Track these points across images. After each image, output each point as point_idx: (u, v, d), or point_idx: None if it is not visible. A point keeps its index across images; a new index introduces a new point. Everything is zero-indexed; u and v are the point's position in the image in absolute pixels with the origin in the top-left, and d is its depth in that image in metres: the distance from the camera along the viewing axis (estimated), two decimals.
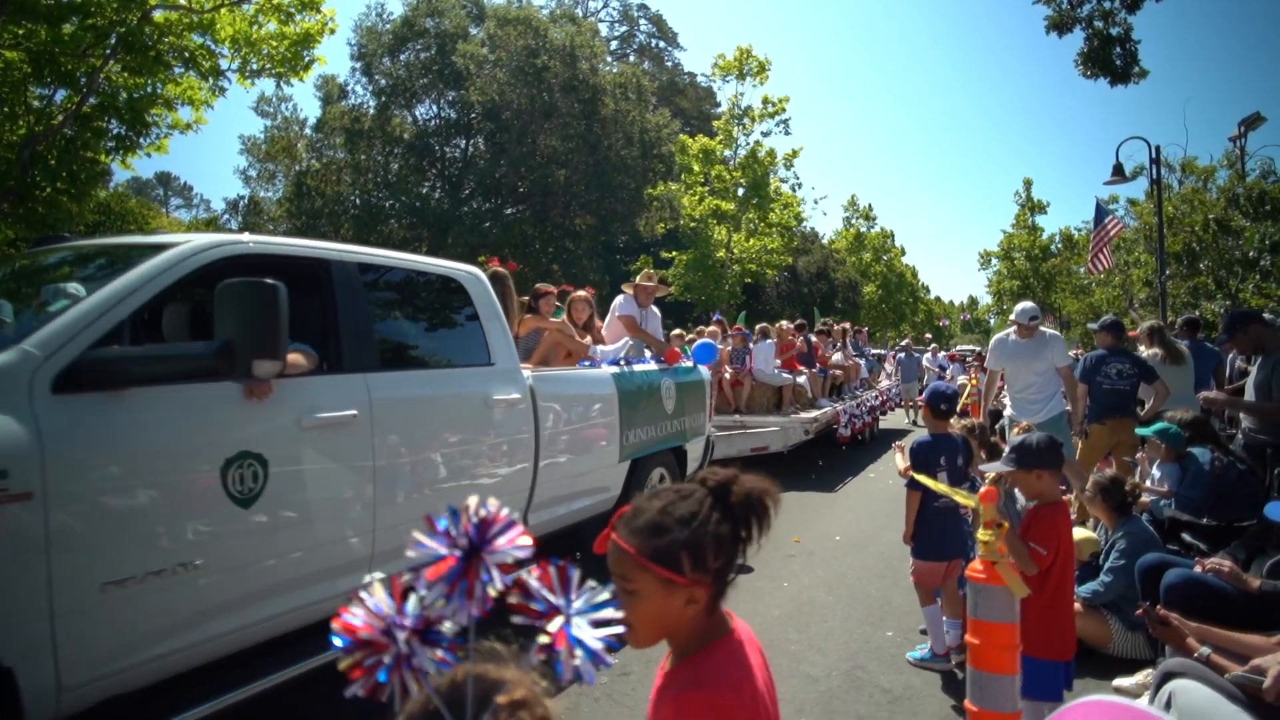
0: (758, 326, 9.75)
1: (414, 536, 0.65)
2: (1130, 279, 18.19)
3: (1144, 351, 6.09)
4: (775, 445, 8.05)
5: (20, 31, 9.50)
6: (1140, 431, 4.78)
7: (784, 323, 10.36)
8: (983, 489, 2.61)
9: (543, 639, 0.67)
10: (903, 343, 17.37)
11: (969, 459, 3.85)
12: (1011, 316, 5.83)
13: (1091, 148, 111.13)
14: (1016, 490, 2.91)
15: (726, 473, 1.14)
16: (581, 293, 6.05)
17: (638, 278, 6.57)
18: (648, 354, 5.82)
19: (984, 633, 2.49)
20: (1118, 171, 12.09)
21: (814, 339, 10.93)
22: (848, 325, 13.68)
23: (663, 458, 5.13)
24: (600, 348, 5.42)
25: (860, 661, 3.70)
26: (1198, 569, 3.15)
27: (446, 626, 0.64)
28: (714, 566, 1.08)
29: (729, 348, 9.08)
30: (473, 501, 0.66)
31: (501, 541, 0.65)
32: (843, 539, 6.04)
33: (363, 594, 0.65)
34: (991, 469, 2.91)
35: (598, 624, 0.68)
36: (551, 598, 0.68)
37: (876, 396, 12.36)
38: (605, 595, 0.69)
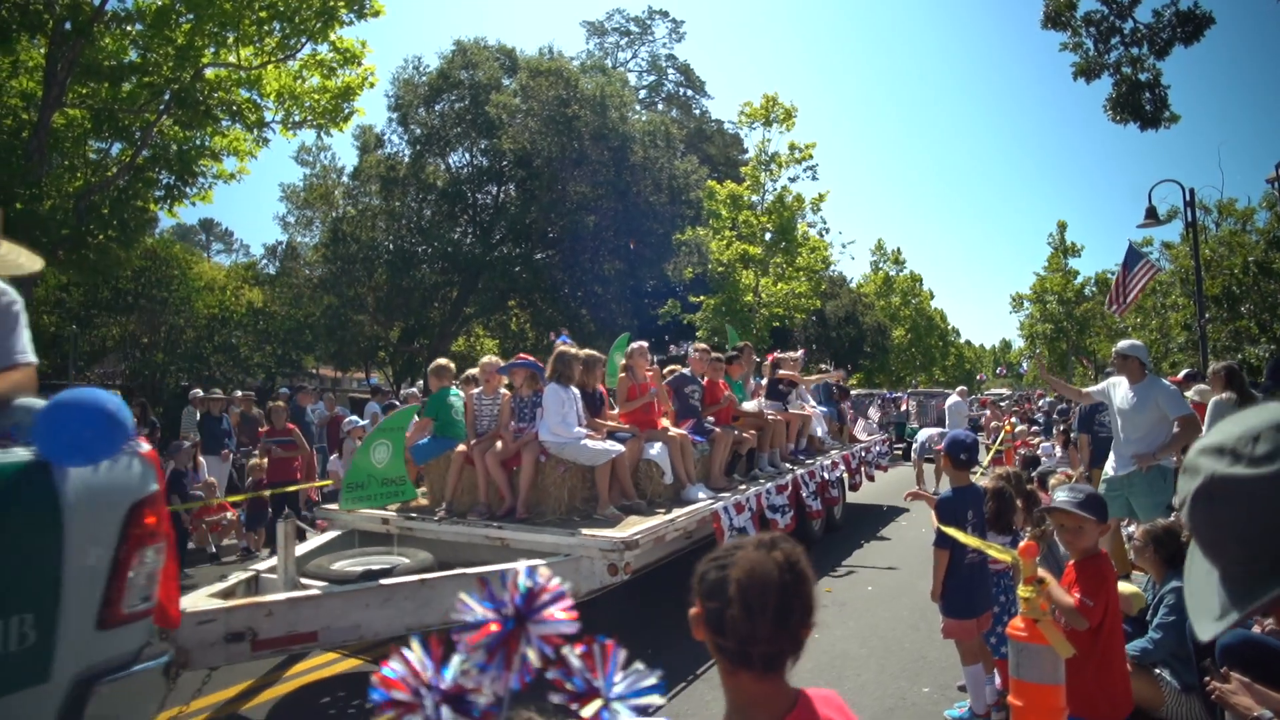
0: (555, 352, 5.31)
1: (460, 598, 0.63)
2: (1168, 322, 17.82)
3: (1216, 395, 5.75)
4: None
5: (84, 91, 10.15)
6: None
7: (639, 344, 6.04)
8: (1022, 543, 2.53)
9: None
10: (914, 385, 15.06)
11: (1009, 508, 3.74)
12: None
13: (1125, 190, 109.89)
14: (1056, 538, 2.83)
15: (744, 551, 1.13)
16: None
17: None
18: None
19: (1027, 694, 2.38)
20: (1151, 214, 11.97)
21: (703, 382, 6.54)
22: (792, 355, 8.59)
23: None
24: None
25: (896, 719, 3.58)
26: (1256, 629, 3.01)
27: (483, 696, 0.60)
28: (718, 642, 1.10)
29: (510, 396, 5.31)
30: (520, 567, 0.64)
31: (549, 612, 0.62)
32: (875, 589, 5.88)
33: (405, 650, 0.61)
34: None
35: (640, 710, 0.63)
36: (591, 678, 0.63)
37: (832, 465, 7.75)
38: (651, 680, 0.64)
